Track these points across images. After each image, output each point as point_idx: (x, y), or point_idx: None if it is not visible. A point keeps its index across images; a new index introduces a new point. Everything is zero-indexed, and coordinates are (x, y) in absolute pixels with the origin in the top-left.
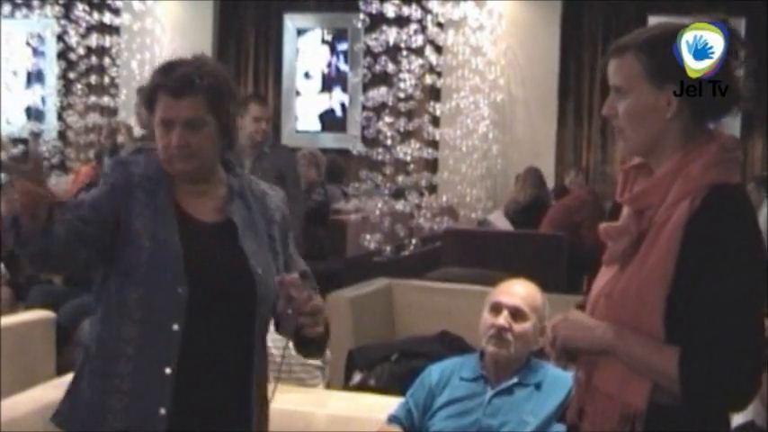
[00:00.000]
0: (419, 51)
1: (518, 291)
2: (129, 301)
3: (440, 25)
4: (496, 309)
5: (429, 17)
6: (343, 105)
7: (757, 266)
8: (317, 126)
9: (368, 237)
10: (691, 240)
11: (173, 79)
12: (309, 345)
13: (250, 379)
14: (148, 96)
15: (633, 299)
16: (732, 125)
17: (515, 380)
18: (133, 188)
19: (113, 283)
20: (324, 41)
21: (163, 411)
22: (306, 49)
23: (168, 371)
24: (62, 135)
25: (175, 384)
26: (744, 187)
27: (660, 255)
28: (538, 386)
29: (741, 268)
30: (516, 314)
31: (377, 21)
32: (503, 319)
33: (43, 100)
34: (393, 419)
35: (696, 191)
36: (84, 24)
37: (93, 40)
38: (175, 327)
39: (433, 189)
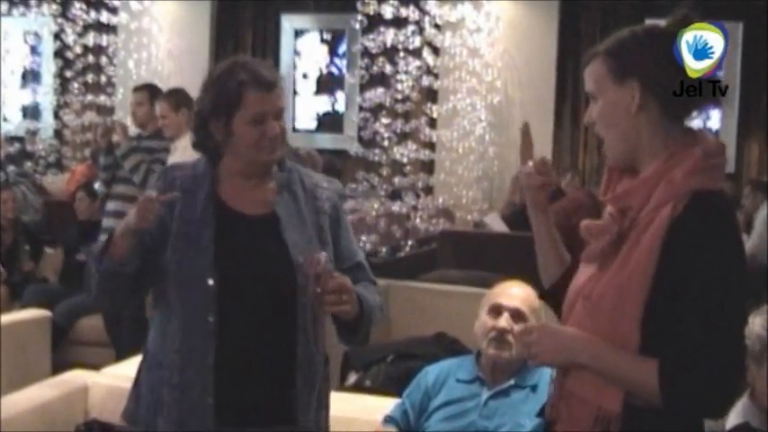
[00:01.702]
0: (416, 53)
1: (517, 293)
2: (171, 299)
3: (437, 27)
4: (497, 311)
5: (426, 19)
6: (340, 106)
7: (737, 274)
8: (314, 126)
9: (364, 238)
10: (671, 247)
11: (259, 74)
12: (343, 328)
13: (293, 368)
14: (234, 96)
15: (611, 304)
16: (729, 128)
17: (512, 382)
18: (174, 191)
19: (162, 285)
20: (322, 42)
21: (210, 401)
22: (303, 49)
23: (210, 362)
24: (58, 133)
25: (217, 374)
26: (725, 194)
27: (640, 260)
28: (534, 388)
29: (721, 275)
30: (517, 316)
31: (374, 22)
32: (504, 321)
33: (38, 96)
34: (389, 420)
35: (678, 197)
36: (81, 23)
37: (91, 38)
38: (210, 318)
39: (429, 191)
